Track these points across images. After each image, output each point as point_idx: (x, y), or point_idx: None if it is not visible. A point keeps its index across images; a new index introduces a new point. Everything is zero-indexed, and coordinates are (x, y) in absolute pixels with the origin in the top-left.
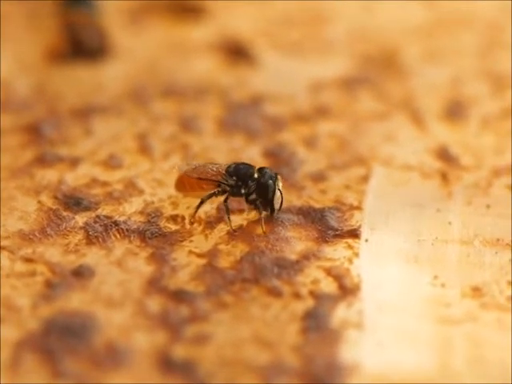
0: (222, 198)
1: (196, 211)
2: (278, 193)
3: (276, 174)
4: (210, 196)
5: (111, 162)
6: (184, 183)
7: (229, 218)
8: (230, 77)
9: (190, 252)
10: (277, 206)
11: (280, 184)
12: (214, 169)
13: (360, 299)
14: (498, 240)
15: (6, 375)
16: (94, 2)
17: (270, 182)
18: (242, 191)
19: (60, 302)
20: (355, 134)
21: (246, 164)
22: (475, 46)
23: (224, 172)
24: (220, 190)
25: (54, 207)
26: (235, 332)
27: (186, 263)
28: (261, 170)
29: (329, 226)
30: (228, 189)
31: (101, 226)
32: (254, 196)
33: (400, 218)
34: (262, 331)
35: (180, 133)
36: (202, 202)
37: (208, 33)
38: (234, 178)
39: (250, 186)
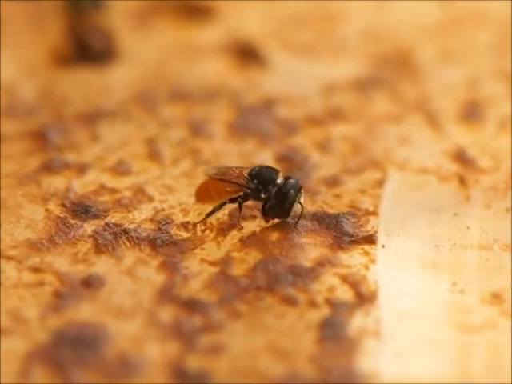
0: (236, 204)
1: (205, 218)
2: (297, 205)
3: (300, 187)
4: (222, 205)
5: (119, 168)
6: (208, 188)
7: (239, 215)
8: (241, 79)
9: (202, 260)
10: (292, 214)
11: (302, 198)
12: (237, 171)
13: (377, 307)
14: None
15: None
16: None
17: (292, 191)
18: (262, 196)
19: (69, 312)
20: (370, 136)
21: (271, 168)
22: (491, 45)
23: (246, 175)
24: (242, 194)
25: (61, 215)
26: (250, 342)
27: (198, 271)
28: (286, 178)
29: (344, 231)
30: (248, 192)
31: (110, 234)
32: (272, 202)
33: (417, 223)
34: (278, 341)
35: (190, 137)
36: (213, 211)
37: (217, 34)
38: (256, 181)
39: (270, 191)
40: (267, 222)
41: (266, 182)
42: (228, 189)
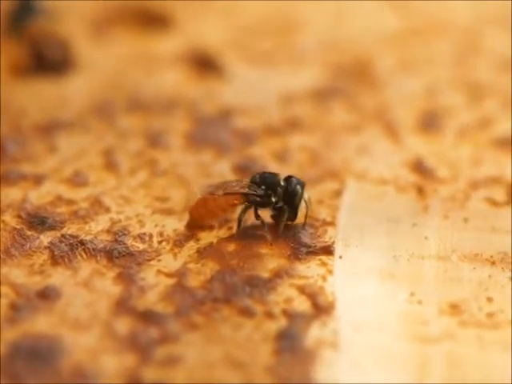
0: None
1: (238, 230)
2: (303, 201)
3: (303, 183)
4: (245, 211)
5: (76, 179)
6: (206, 205)
7: (266, 226)
8: (199, 89)
9: (159, 271)
10: (301, 212)
11: (306, 194)
12: (237, 183)
13: (335, 318)
14: (477, 255)
15: None
16: (44, 9)
17: (298, 187)
18: (273, 199)
19: (25, 324)
20: (328, 147)
21: (270, 172)
22: (450, 55)
23: (250, 183)
24: (247, 202)
25: (17, 227)
26: (206, 353)
27: (154, 283)
28: (288, 178)
29: (301, 242)
30: (258, 199)
31: (66, 245)
32: (280, 203)
33: (375, 234)
34: (234, 352)
35: (147, 148)
36: (240, 220)
37: (175, 44)
38: (263, 186)
39: (279, 194)
40: (280, 224)
41: (273, 185)
42: (236, 201)
